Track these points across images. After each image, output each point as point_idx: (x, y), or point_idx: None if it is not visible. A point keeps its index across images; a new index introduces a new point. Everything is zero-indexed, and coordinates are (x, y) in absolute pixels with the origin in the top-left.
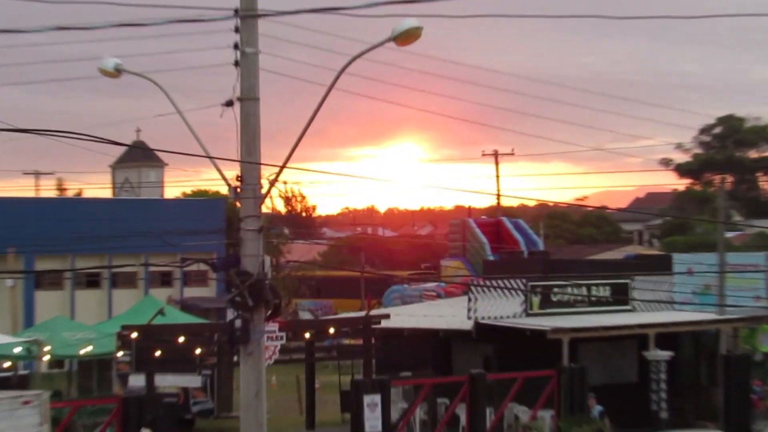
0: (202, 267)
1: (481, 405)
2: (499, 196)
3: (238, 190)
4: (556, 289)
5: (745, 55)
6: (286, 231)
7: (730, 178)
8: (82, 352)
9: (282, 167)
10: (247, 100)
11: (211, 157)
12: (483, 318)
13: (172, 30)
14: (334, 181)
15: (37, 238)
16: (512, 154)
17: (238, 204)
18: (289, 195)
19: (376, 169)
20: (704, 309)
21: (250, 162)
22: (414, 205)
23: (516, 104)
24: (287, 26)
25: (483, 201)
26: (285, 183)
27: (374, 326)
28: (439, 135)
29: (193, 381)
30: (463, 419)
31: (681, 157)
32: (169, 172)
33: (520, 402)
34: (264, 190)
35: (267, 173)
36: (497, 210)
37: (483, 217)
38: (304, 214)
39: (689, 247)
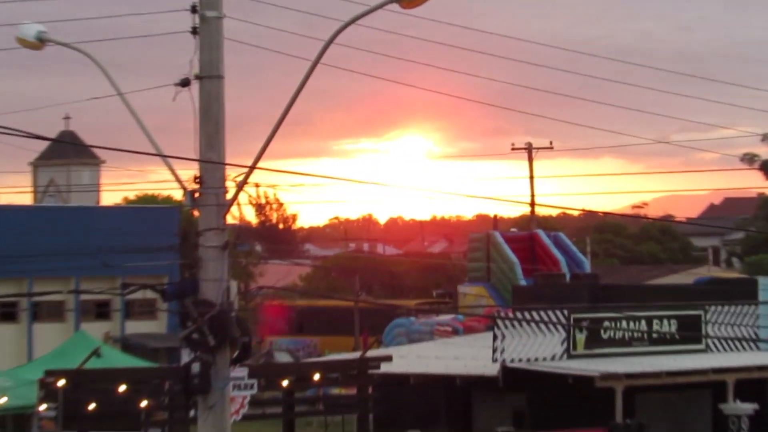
0: (150, 295)
1: None
2: (533, 202)
3: (197, 195)
4: (607, 323)
5: None
6: (259, 248)
7: None
8: None
9: (253, 166)
10: (208, 79)
11: (162, 155)
12: (513, 361)
13: None
14: (322, 184)
15: None
16: (550, 148)
17: (196, 213)
18: (263, 202)
19: (374, 168)
20: None
21: (211, 162)
22: (423, 215)
23: (556, 83)
24: None
25: (513, 209)
26: (257, 186)
27: (372, 371)
28: (455, 124)
29: None
30: None
31: None
32: (106, 171)
33: None
34: (230, 196)
35: (234, 173)
36: (531, 221)
37: (513, 230)
38: (281, 226)
39: None
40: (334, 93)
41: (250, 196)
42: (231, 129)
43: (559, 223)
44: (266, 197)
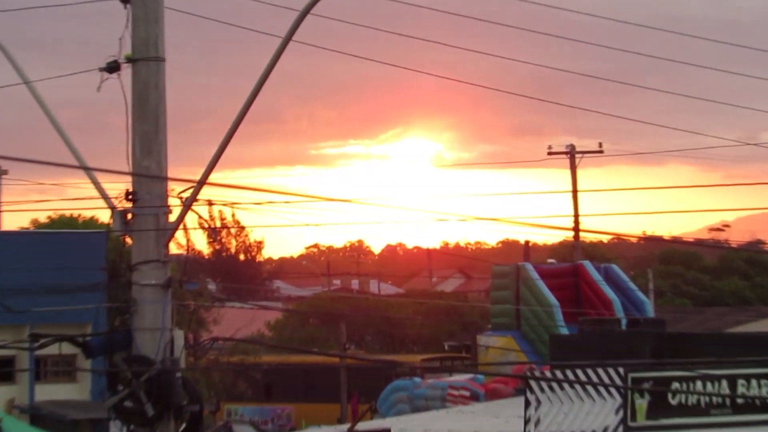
0: (68, 349)
1: None
2: (577, 224)
3: (130, 216)
4: (676, 385)
5: None
6: (213, 286)
7: None
8: None
9: (204, 178)
10: (144, 62)
11: (86, 169)
12: None
13: None
14: (296, 201)
15: None
16: (599, 151)
17: (129, 240)
18: (217, 225)
19: (366, 179)
20: None
21: (148, 176)
22: (431, 242)
23: (606, 67)
24: None
25: (550, 233)
26: (209, 204)
27: None
28: (473, 120)
29: None
30: None
31: None
32: (8, 185)
33: None
34: (174, 217)
35: (180, 188)
36: (575, 249)
37: (550, 261)
38: (242, 256)
39: None
40: (312, 79)
41: (200, 217)
42: (176, 128)
43: (612, 252)
44: (222, 219)
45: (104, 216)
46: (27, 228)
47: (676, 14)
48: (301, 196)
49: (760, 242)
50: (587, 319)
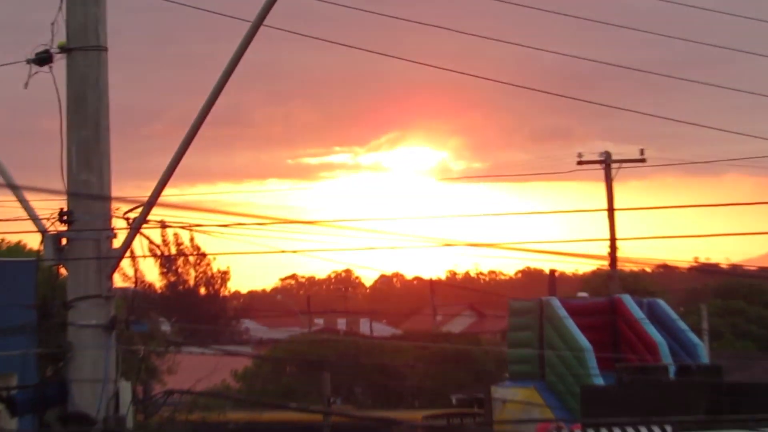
0: None
1: None
2: (614, 250)
3: (64, 242)
4: None
5: None
6: (167, 327)
7: None
8: None
9: (155, 197)
10: (82, 52)
11: (12, 186)
12: None
13: None
14: (269, 223)
15: None
16: (641, 160)
17: (63, 271)
18: (174, 252)
19: (355, 196)
20: None
21: (86, 195)
22: (435, 271)
23: (652, 57)
24: None
25: (580, 261)
26: (163, 227)
27: None
28: (484, 123)
29: None
30: None
31: None
32: None
33: None
34: (119, 243)
35: (126, 207)
36: (611, 279)
37: (581, 294)
38: (203, 290)
39: None
40: (289, 73)
41: (151, 242)
42: (122, 134)
43: (657, 284)
44: (179, 245)
45: (33, 241)
46: None
47: None
48: (276, 217)
49: None
50: (627, 366)
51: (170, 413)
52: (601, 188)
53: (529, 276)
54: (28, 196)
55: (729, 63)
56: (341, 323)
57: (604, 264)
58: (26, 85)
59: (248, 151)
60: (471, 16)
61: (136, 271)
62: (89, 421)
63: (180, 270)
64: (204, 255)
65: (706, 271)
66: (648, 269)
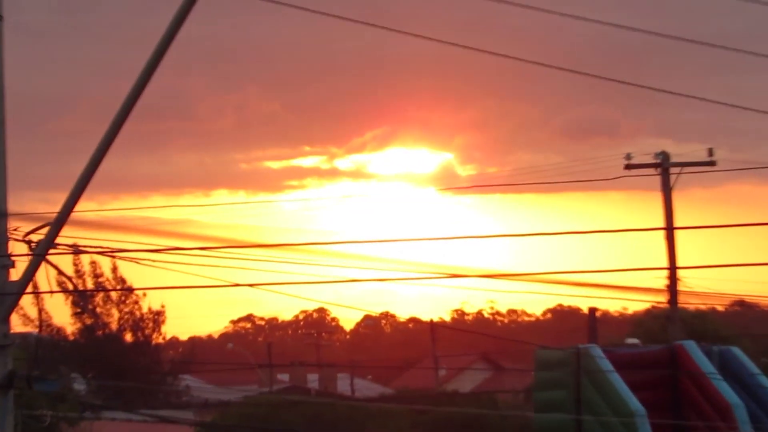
0: None
1: None
2: (674, 281)
3: None
4: None
5: None
6: (82, 386)
7: None
8: None
9: (65, 214)
10: None
11: None
12: None
13: None
14: (217, 248)
15: None
16: (710, 163)
17: None
18: (90, 286)
19: (330, 209)
20: None
21: None
22: (436, 311)
23: (726, 29)
24: None
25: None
26: (76, 252)
27: None
28: (502, 115)
29: None
30: None
31: None
32: None
33: None
34: (17, 274)
35: (28, 227)
36: (671, 322)
37: (631, 341)
38: (131, 336)
39: None
40: (244, 52)
41: (61, 273)
42: (23, 129)
43: (731, 326)
44: (97, 276)
45: None
46: None
47: None
48: (226, 239)
49: None
50: None
51: None
52: (656, 200)
53: (562, 317)
54: None
55: None
56: (312, 380)
57: (662, 301)
58: None
59: (189, 153)
60: None
61: (40, 311)
62: None
63: (99, 310)
64: (131, 290)
65: None
66: (719, 307)
